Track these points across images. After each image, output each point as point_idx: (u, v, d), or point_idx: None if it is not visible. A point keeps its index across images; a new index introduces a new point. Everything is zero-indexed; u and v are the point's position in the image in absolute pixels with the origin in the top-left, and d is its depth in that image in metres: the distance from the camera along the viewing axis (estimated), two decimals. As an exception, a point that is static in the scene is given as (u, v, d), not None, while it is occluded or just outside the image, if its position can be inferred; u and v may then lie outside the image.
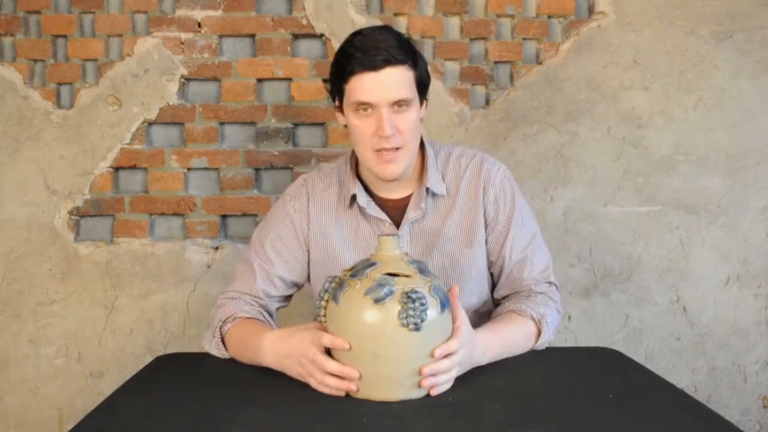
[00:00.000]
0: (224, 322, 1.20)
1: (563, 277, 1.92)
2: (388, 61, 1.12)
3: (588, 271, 1.93)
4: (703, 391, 1.96)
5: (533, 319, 1.21)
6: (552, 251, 1.88)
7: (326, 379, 0.99)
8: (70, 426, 0.93)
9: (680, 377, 1.94)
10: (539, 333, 1.21)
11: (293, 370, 1.05)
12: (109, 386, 1.82)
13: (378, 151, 1.17)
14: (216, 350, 1.21)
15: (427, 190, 1.26)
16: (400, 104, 1.15)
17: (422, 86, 1.20)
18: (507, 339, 1.17)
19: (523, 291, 1.28)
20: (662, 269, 1.93)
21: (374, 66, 1.12)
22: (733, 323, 1.95)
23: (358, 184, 1.27)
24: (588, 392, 1.02)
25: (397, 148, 1.16)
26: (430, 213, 1.27)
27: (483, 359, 1.11)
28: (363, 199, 1.26)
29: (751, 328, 1.96)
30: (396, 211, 1.27)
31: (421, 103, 1.22)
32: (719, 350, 1.96)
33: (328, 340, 0.99)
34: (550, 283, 1.31)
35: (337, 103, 1.23)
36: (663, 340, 1.95)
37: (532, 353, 1.22)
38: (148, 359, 1.40)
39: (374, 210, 1.26)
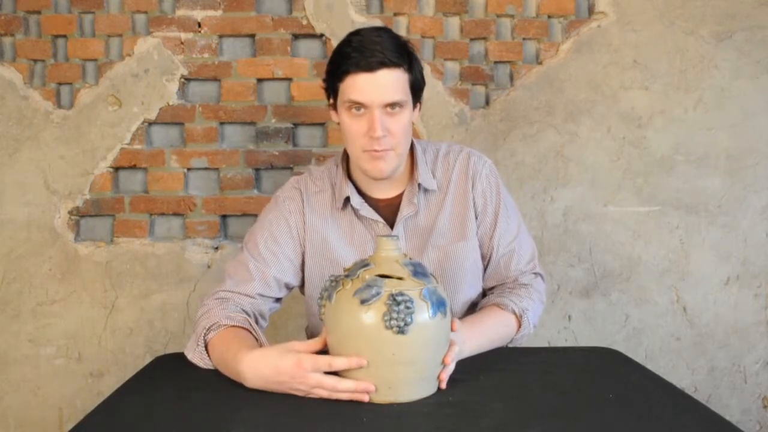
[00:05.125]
0: (208, 330, 1.14)
1: (563, 277, 1.92)
2: (384, 63, 1.13)
3: (588, 271, 1.93)
4: (703, 391, 1.96)
5: (515, 314, 1.24)
6: (552, 251, 1.91)
7: (335, 396, 0.97)
8: (70, 426, 0.93)
9: (680, 377, 1.95)
10: (520, 326, 1.24)
11: (286, 391, 1.00)
12: (109, 386, 1.83)
13: (369, 151, 1.18)
14: (200, 360, 1.14)
15: (419, 186, 1.27)
16: (393, 106, 1.15)
17: (416, 89, 1.21)
18: (486, 332, 1.19)
19: (508, 282, 1.32)
20: (662, 269, 1.93)
21: (369, 67, 1.13)
22: (733, 323, 1.95)
23: (351, 185, 1.27)
24: (588, 392, 1.02)
25: (387, 150, 1.18)
26: (423, 209, 1.29)
27: (464, 351, 1.11)
28: (356, 200, 1.27)
29: (751, 328, 1.96)
30: (389, 210, 1.28)
31: (415, 106, 1.23)
32: (719, 350, 1.96)
33: (342, 362, 0.96)
34: (536, 274, 1.34)
35: (331, 101, 1.24)
36: (663, 340, 1.95)
37: (532, 353, 1.23)
38: (148, 359, 1.40)
39: (367, 211, 1.27)
